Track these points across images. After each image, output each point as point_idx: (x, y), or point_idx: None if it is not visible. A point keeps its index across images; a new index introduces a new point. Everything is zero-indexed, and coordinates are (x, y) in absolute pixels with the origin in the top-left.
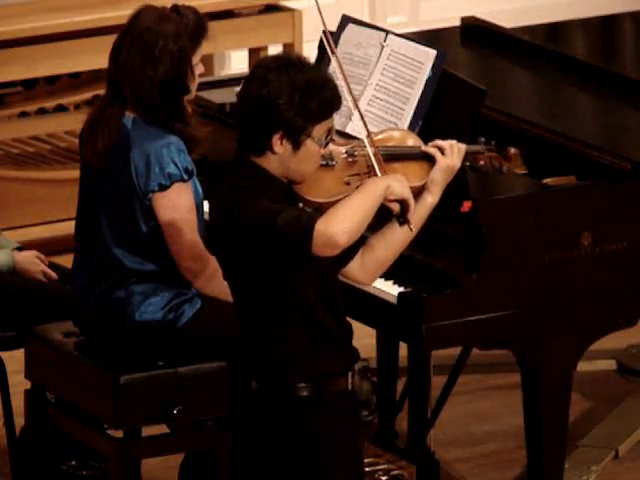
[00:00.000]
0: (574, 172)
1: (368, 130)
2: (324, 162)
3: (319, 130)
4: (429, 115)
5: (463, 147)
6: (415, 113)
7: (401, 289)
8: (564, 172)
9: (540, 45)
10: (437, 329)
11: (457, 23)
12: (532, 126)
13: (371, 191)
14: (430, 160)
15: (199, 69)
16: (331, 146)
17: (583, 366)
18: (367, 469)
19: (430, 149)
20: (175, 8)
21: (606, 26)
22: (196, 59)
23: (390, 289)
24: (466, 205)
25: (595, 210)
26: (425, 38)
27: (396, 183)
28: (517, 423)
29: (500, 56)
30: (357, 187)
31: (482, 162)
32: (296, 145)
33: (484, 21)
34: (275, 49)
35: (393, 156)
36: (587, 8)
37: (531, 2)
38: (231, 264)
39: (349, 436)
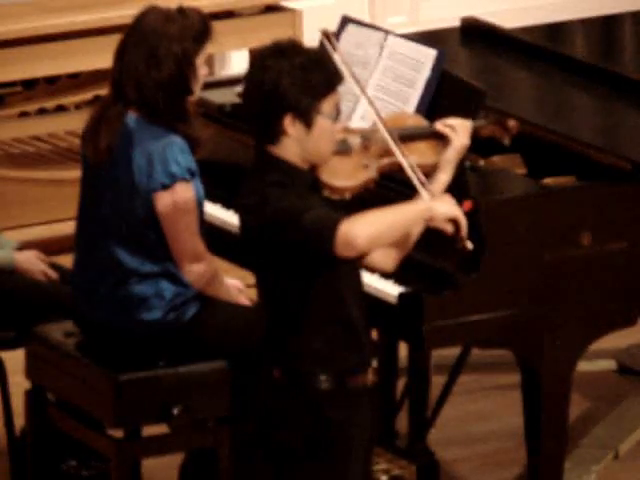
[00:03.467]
0: (574, 172)
1: (379, 113)
2: (340, 148)
3: (327, 105)
4: (429, 115)
5: (469, 124)
6: (415, 113)
7: (401, 289)
8: (564, 172)
9: (540, 45)
10: (437, 329)
11: (457, 23)
12: (532, 126)
13: (408, 209)
14: (439, 138)
15: (203, 71)
16: (344, 133)
17: (583, 366)
18: None
19: (444, 129)
20: (180, 9)
21: (606, 26)
22: (200, 61)
23: (390, 289)
24: (466, 205)
25: (595, 210)
26: (425, 38)
27: (442, 204)
28: (517, 423)
29: (500, 56)
30: (376, 168)
31: (486, 133)
32: (308, 124)
33: (484, 21)
34: None
35: (406, 136)
36: (587, 8)
37: (531, 2)
38: (261, 257)
39: (365, 431)
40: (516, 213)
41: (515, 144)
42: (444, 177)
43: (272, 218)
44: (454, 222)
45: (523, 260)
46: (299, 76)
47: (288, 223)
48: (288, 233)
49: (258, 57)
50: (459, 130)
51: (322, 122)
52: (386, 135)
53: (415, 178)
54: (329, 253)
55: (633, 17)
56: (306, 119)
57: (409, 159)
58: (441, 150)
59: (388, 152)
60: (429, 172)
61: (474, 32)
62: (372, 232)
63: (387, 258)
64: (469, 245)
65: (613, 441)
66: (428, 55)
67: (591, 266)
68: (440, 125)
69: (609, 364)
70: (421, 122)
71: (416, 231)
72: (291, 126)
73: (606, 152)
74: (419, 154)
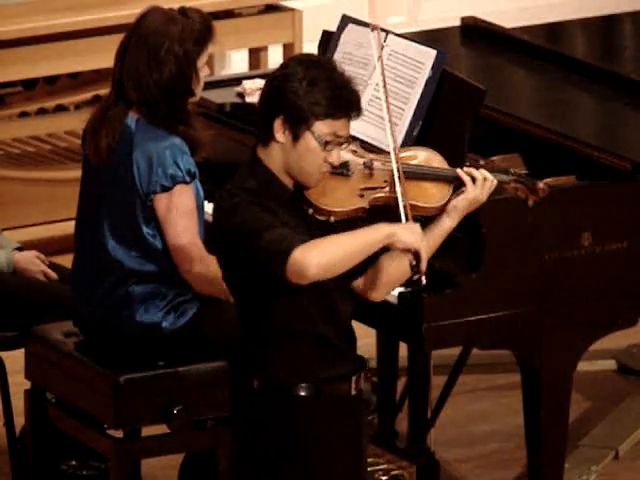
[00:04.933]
0: (574, 172)
1: (395, 145)
2: (339, 171)
3: (322, 127)
4: (429, 115)
5: (494, 182)
6: (415, 113)
7: (401, 289)
8: (564, 172)
9: (540, 45)
10: (437, 329)
11: (457, 23)
12: (532, 126)
13: (369, 234)
14: (452, 183)
15: (204, 72)
16: (348, 156)
17: (583, 366)
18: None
19: (463, 175)
20: (182, 10)
21: (606, 26)
22: (201, 62)
23: None
24: None
25: (595, 210)
26: (425, 38)
27: (405, 232)
28: (517, 423)
29: (500, 56)
30: (371, 199)
31: (509, 191)
32: (296, 136)
33: (484, 21)
34: (275, 49)
35: (414, 174)
36: (587, 8)
37: (531, 2)
38: (228, 266)
39: (346, 440)
40: (516, 213)
41: (515, 144)
42: (448, 223)
43: (235, 229)
44: (415, 253)
45: (523, 260)
46: (306, 85)
47: (248, 239)
48: (247, 249)
49: (290, 58)
50: (479, 183)
51: (309, 140)
52: (393, 167)
53: (404, 221)
54: (281, 278)
55: (633, 17)
56: (295, 130)
57: (407, 200)
58: (451, 197)
59: (388, 186)
60: (427, 215)
61: (474, 32)
62: (326, 261)
63: (373, 290)
64: (424, 280)
65: (613, 441)
66: (428, 55)
67: (591, 266)
68: (461, 171)
69: (609, 364)
70: (443, 165)
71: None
72: (280, 131)
73: (606, 152)
74: (423, 195)
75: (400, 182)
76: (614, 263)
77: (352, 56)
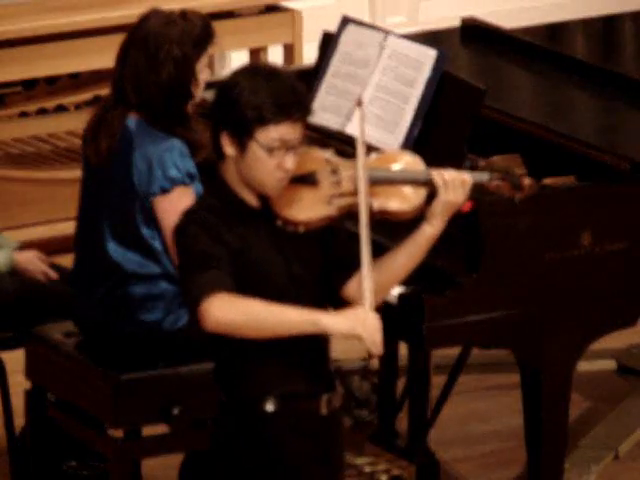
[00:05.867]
0: (574, 172)
1: (362, 151)
2: (306, 180)
3: (266, 134)
4: (429, 115)
5: (469, 181)
6: (415, 113)
7: (401, 289)
8: (564, 172)
9: (540, 45)
10: (437, 329)
11: (457, 23)
12: (532, 126)
13: (294, 316)
14: (427, 186)
15: (204, 74)
16: (315, 165)
17: (583, 366)
18: (367, 469)
19: (435, 178)
20: (182, 13)
21: (606, 26)
22: (201, 65)
23: None
24: (466, 205)
25: (595, 210)
26: (425, 38)
27: (337, 321)
28: (517, 423)
29: (500, 56)
30: (339, 207)
31: (491, 190)
32: (242, 147)
33: (484, 21)
34: (275, 49)
35: (385, 179)
36: (587, 8)
37: (531, 2)
38: None
39: (317, 460)
40: (516, 213)
41: (515, 144)
42: (429, 230)
43: (179, 253)
44: (359, 339)
45: (523, 260)
46: (247, 95)
47: (182, 269)
48: (180, 277)
49: (235, 70)
50: (450, 185)
51: (256, 150)
52: (359, 172)
53: (363, 225)
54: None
55: (633, 17)
56: (240, 141)
57: (375, 203)
58: (432, 199)
59: (357, 193)
60: (401, 219)
61: (474, 32)
62: (227, 321)
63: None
64: (374, 364)
65: (613, 441)
66: (428, 55)
67: (591, 266)
68: (436, 174)
69: (609, 364)
70: (419, 166)
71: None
72: (228, 144)
73: (606, 152)
74: (394, 199)
75: (364, 188)
76: (614, 263)
77: (352, 56)
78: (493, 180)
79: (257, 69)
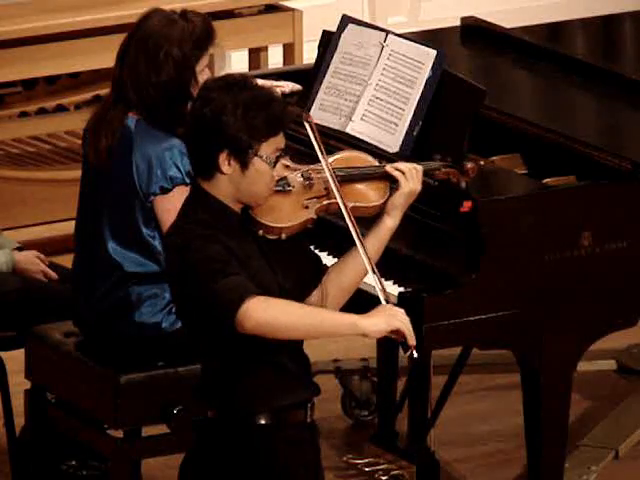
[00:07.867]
0: (574, 172)
1: (324, 154)
2: (280, 188)
3: (267, 148)
4: (429, 115)
5: (420, 169)
6: (415, 113)
7: (401, 289)
8: (564, 172)
9: (540, 45)
10: (437, 329)
11: (457, 23)
12: (532, 126)
13: (334, 321)
14: (387, 180)
15: (204, 75)
16: (286, 172)
17: (583, 366)
18: (367, 469)
19: (394, 172)
20: (183, 13)
21: (606, 26)
22: (201, 66)
23: (390, 289)
24: (466, 205)
25: (595, 210)
26: (425, 38)
27: (372, 321)
28: (517, 423)
29: (500, 56)
30: (316, 209)
31: (441, 177)
32: (244, 164)
33: (484, 21)
34: (275, 49)
35: (353, 177)
36: (587, 8)
37: (531, 2)
38: (181, 301)
39: (306, 468)
40: (516, 213)
41: (515, 144)
42: (390, 222)
43: (191, 268)
44: (397, 332)
45: (523, 260)
46: (241, 114)
47: (202, 281)
48: (201, 290)
49: (205, 88)
50: (408, 175)
51: (259, 165)
52: (327, 175)
53: (350, 222)
54: (231, 327)
55: (633, 17)
56: (242, 159)
57: (348, 202)
58: (390, 193)
59: (329, 193)
60: (370, 214)
61: (474, 32)
62: (276, 319)
63: (330, 303)
64: (415, 355)
65: (613, 441)
66: (428, 55)
67: (591, 266)
68: (390, 168)
69: (609, 364)
70: (371, 163)
71: None
72: (226, 164)
73: (606, 152)
74: (363, 196)
75: (337, 187)
76: (614, 263)
77: (352, 56)
78: (441, 168)
79: (233, 83)
